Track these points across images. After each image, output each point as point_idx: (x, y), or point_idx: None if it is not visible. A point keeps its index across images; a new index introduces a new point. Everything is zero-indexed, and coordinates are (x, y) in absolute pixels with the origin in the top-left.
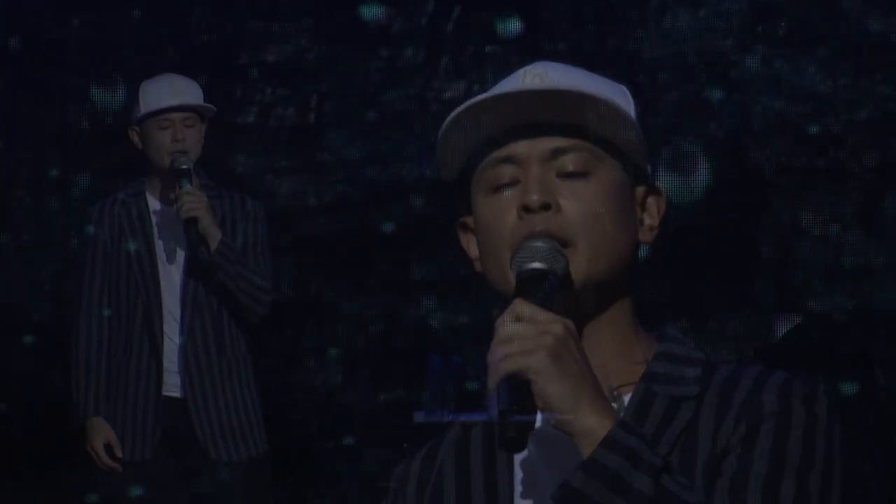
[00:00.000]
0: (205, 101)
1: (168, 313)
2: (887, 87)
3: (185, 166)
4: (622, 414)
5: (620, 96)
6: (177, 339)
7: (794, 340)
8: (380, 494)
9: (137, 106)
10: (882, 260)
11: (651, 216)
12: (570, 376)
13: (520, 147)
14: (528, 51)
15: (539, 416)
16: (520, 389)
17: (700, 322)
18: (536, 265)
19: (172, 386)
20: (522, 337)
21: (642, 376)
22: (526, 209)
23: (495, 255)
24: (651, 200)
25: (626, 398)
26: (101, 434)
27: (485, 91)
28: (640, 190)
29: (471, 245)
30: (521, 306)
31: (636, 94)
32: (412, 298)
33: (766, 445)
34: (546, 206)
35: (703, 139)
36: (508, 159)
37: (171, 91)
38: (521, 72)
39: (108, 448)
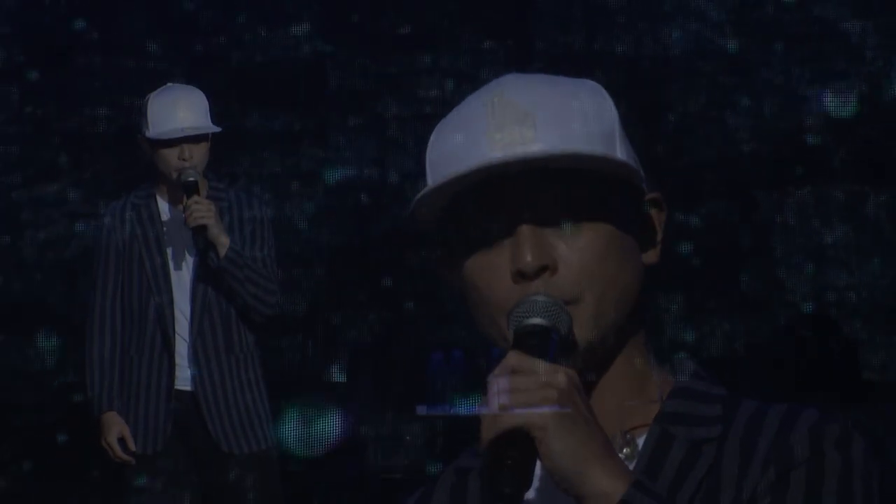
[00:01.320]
0: (210, 104)
1: (179, 312)
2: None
3: (192, 178)
4: (637, 459)
5: (599, 104)
6: (187, 338)
7: (783, 338)
8: (383, 487)
9: (145, 119)
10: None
11: (653, 233)
12: (577, 433)
13: (504, 199)
14: (523, 48)
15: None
16: (519, 446)
17: (691, 322)
18: (537, 321)
19: (183, 380)
20: (523, 389)
21: (657, 416)
22: (520, 275)
23: (490, 320)
24: (651, 216)
25: (641, 441)
26: (115, 428)
27: (474, 89)
28: (639, 210)
29: (459, 286)
30: (516, 358)
31: (617, 98)
32: (413, 301)
33: (799, 496)
34: (543, 269)
35: (692, 141)
36: (493, 212)
37: (176, 111)
38: (487, 100)
39: (122, 441)
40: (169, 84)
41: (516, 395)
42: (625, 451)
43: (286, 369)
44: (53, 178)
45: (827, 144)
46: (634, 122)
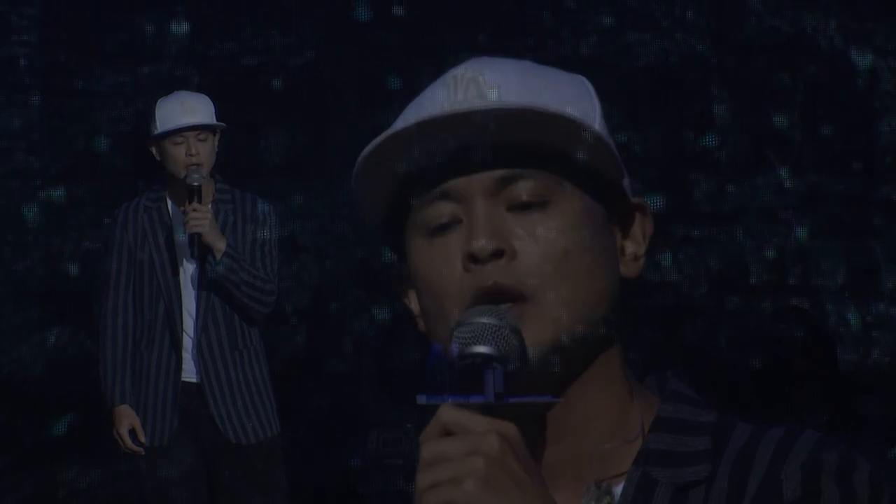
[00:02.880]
0: (216, 115)
1: (186, 310)
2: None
3: (195, 184)
4: None
5: (578, 92)
6: (193, 335)
7: (763, 333)
8: (384, 472)
9: (154, 123)
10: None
11: (635, 243)
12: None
13: (459, 179)
14: (534, 51)
15: None
16: None
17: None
18: (482, 350)
19: (190, 372)
20: (448, 459)
21: (637, 457)
22: (472, 259)
23: (440, 317)
24: (635, 223)
25: (620, 490)
26: (127, 421)
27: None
28: (618, 212)
29: (413, 300)
30: (448, 414)
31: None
32: None
33: None
34: (497, 253)
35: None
36: (445, 195)
37: (183, 110)
38: (450, 77)
39: (133, 433)
40: (177, 91)
41: (442, 467)
42: (602, 503)
43: (290, 361)
44: (69, 181)
45: (800, 136)
46: (625, 125)
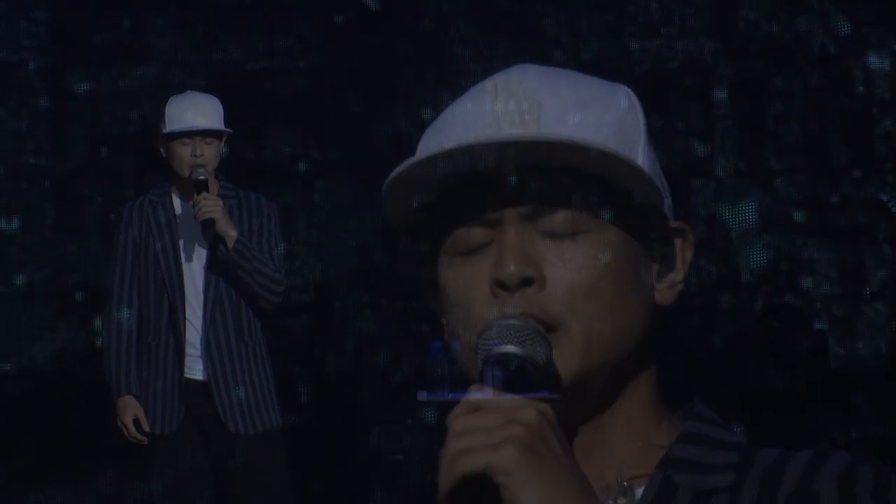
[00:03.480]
0: (224, 118)
1: (191, 303)
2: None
3: (202, 177)
4: None
5: (620, 106)
6: (199, 327)
7: (754, 331)
8: (386, 467)
9: (163, 119)
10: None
11: (673, 269)
12: (548, 475)
13: (492, 203)
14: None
15: None
16: (482, 497)
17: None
18: (509, 349)
19: (195, 370)
20: (485, 428)
21: (660, 462)
22: (501, 285)
23: (463, 339)
24: (674, 249)
25: (640, 492)
26: (131, 410)
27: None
28: (657, 238)
29: (440, 306)
30: (478, 394)
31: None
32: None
33: None
34: (526, 281)
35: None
36: (476, 219)
37: (192, 112)
38: (489, 85)
39: (137, 423)
40: (188, 91)
41: (476, 435)
42: (620, 501)
43: (291, 359)
44: (76, 181)
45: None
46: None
